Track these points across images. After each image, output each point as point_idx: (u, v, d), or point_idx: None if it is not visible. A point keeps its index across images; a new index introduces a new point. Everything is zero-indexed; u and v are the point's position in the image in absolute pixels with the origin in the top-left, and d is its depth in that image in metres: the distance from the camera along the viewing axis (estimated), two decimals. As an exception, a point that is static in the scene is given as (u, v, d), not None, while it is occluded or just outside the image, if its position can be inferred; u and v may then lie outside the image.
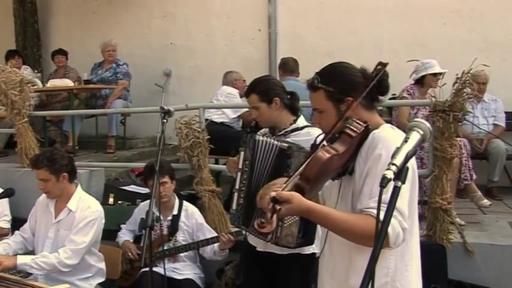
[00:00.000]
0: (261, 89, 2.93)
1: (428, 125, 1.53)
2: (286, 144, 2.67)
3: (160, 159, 3.38)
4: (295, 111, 2.98)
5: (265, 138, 2.77)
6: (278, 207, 1.65)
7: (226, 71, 6.28)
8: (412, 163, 1.81)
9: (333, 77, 1.95)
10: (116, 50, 7.01)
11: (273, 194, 1.67)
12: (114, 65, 6.94)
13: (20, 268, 3.29)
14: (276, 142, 2.72)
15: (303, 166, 1.75)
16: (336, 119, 1.88)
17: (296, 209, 1.69)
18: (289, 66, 5.73)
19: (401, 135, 1.79)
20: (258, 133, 2.96)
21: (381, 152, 1.77)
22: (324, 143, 1.82)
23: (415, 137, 1.48)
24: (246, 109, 5.56)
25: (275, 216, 1.66)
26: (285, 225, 2.67)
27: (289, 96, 2.97)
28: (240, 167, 2.83)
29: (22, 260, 3.28)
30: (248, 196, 2.79)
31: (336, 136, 1.82)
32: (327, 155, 1.72)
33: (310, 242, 2.72)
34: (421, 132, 1.50)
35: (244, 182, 2.81)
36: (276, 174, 2.67)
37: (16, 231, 3.80)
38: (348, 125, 1.81)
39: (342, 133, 1.80)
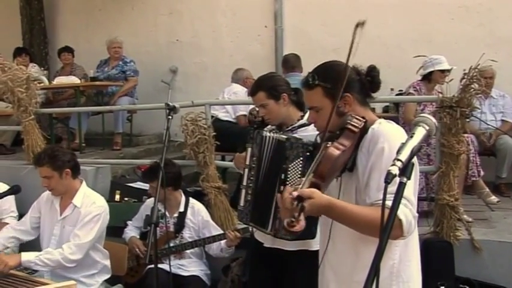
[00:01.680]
0: (269, 86, 2.89)
1: (434, 120, 1.52)
2: (285, 136, 2.67)
3: (170, 166, 3.34)
4: (301, 107, 2.97)
5: (272, 134, 2.77)
6: (303, 204, 1.64)
7: (237, 68, 6.26)
8: None
9: (329, 74, 1.95)
10: (121, 47, 7.01)
11: (295, 193, 1.65)
12: (120, 63, 6.94)
13: (24, 265, 3.30)
14: (276, 136, 2.72)
15: (315, 164, 1.75)
16: (333, 116, 1.88)
17: (317, 203, 1.69)
18: (290, 63, 5.71)
19: (399, 128, 1.87)
20: (265, 129, 2.94)
21: (383, 146, 1.79)
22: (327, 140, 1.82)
23: (420, 132, 1.47)
24: (242, 112, 5.57)
25: (302, 214, 1.65)
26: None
27: (293, 93, 2.96)
28: (248, 163, 2.83)
29: (26, 257, 3.28)
30: (256, 192, 2.79)
31: (338, 133, 1.82)
32: (338, 151, 1.73)
33: (311, 236, 2.67)
34: (427, 128, 1.49)
35: (251, 178, 2.81)
36: (275, 167, 2.68)
37: (8, 225, 3.81)
38: (348, 121, 1.83)
39: (345, 129, 1.81)
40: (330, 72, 1.96)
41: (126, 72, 6.87)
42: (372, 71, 2.00)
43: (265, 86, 2.90)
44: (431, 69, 4.97)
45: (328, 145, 1.77)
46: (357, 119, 1.84)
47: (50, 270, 3.40)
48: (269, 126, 3.03)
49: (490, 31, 6.25)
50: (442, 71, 4.93)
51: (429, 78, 5.04)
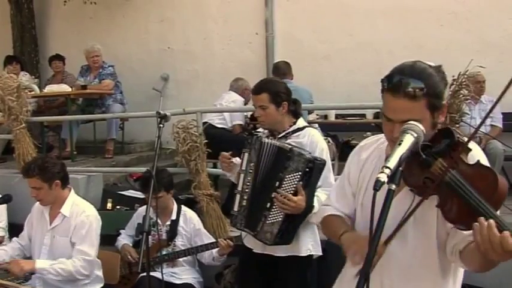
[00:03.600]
0: (274, 90, 2.90)
1: (422, 127, 1.52)
2: (289, 146, 2.69)
3: (159, 170, 3.36)
4: (296, 116, 2.99)
5: (271, 141, 2.79)
6: None
7: (237, 77, 6.26)
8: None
9: (434, 82, 1.64)
10: (99, 54, 6.87)
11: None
12: (101, 70, 6.84)
13: (38, 273, 3.32)
14: (277, 143, 2.75)
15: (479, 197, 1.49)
16: (429, 130, 1.63)
17: None
18: (281, 70, 5.74)
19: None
20: (260, 133, 2.96)
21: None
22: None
23: (408, 139, 1.47)
24: (239, 122, 5.60)
25: None
26: (268, 222, 2.71)
27: (292, 103, 2.98)
28: (244, 168, 2.84)
29: (40, 265, 3.32)
30: (252, 199, 2.80)
31: (444, 147, 1.62)
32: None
33: (287, 242, 2.77)
34: (415, 135, 1.49)
35: (248, 184, 2.82)
36: (272, 173, 2.69)
37: (14, 238, 3.80)
38: (457, 135, 1.64)
39: (459, 143, 1.61)
40: (432, 77, 1.64)
41: (103, 78, 6.79)
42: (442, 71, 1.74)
43: (270, 89, 2.90)
44: None
45: (439, 163, 1.54)
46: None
47: (61, 279, 3.38)
48: (261, 129, 3.05)
49: (479, 37, 6.30)
50: None
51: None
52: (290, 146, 2.70)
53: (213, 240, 3.94)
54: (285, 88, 2.98)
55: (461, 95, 3.77)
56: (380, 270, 1.68)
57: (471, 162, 1.55)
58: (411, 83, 1.58)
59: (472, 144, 1.64)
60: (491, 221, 1.40)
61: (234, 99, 5.83)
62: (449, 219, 1.51)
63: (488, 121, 5.63)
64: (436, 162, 1.52)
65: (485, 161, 1.62)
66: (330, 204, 2.04)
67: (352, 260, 1.70)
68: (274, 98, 2.87)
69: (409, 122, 1.53)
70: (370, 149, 1.91)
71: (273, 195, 2.69)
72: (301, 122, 2.97)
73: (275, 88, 2.92)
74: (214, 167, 5.36)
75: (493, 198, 1.46)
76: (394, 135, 1.60)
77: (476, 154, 1.64)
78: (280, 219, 2.69)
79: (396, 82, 1.60)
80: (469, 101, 4.04)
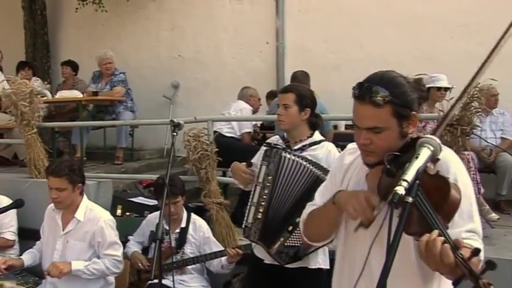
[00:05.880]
0: (302, 93, 2.94)
1: (438, 141, 1.53)
2: (323, 175, 2.68)
3: (173, 176, 3.40)
4: (314, 128, 3.02)
5: (294, 157, 2.79)
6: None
7: (244, 86, 6.31)
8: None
9: (399, 89, 1.67)
10: (112, 61, 6.89)
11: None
12: (112, 77, 6.88)
13: (74, 274, 3.37)
14: (310, 167, 2.75)
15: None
16: (398, 139, 1.69)
17: None
18: (298, 80, 5.71)
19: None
20: (276, 143, 2.97)
21: (459, 173, 1.67)
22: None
23: (425, 153, 1.48)
24: (247, 130, 5.64)
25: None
26: (286, 244, 2.72)
27: (315, 114, 3.01)
28: (261, 180, 2.84)
29: (76, 266, 3.38)
30: (268, 212, 2.80)
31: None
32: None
33: (299, 260, 2.83)
34: (432, 149, 1.50)
35: (264, 197, 2.82)
36: (303, 199, 2.68)
37: (38, 242, 3.84)
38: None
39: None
40: (400, 86, 1.68)
41: (114, 85, 6.82)
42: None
43: (298, 91, 2.95)
44: (428, 86, 5.05)
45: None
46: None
47: (93, 278, 3.48)
48: (275, 139, 3.06)
49: (489, 49, 6.27)
50: (439, 89, 4.97)
51: (427, 95, 5.11)
52: (319, 173, 2.72)
53: (222, 248, 3.95)
54: (312, 96, 3.01)
55: (472, 108, 3.76)
56: (366, 272, 1.67)
57: (432, 173, 1.54)
58: (376, 91, 1.63)
59: (446, 151, 1.64)
60: (436, 231, 1.43)
61: (242, 108, 5.87)
62: (406, 231, 1.45)
63: (498, 133, 5.63)
64: (399, 172, 1.49)
65: (455, 167, 1.65)
66: (315, 203, 1.97)
67: (351, 215, 1.65)
68: (299, 100, 2.90)
69: (426, 136, 1.54)
70: (355, 154, 1.89)
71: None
72: (317, 136, 2.98)
73: (303, 92, 2.97)
74: (224, 175, 5.37)
75: (443, 209, 1.47)
76: (359, 141, 1.69)
77: (446, 161, 1.63)
78: (298, 244, 2.73)
79: (363, 90, 1.66)
80: (479, 113, 4.04)
